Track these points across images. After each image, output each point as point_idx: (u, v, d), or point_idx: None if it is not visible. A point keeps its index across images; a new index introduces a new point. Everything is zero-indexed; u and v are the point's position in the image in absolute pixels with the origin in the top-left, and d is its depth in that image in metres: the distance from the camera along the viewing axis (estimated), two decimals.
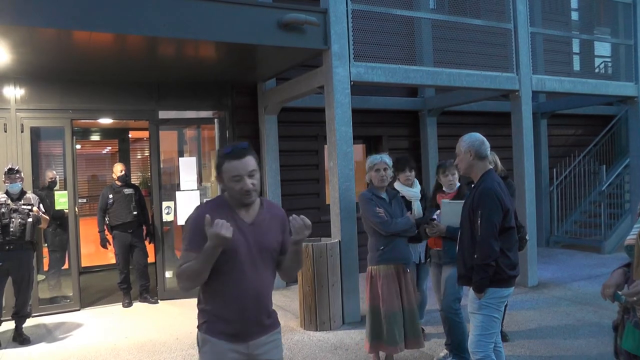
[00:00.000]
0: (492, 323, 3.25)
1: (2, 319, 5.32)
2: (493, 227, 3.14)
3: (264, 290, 2.27)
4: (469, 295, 3.34)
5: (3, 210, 5.11)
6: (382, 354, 4.25)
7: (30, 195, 5.40)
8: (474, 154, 3.28)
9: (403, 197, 4.54)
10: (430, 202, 4.69)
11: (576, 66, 10.17)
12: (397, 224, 4.05)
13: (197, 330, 2.31)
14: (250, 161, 2.19)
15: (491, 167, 3.43)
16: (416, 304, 4.23)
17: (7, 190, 5.24)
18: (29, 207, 5.24)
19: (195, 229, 2.16)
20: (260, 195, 2.31)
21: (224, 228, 2.03)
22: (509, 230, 3.23)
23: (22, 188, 5.36)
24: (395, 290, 4.00)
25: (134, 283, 6.84)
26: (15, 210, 5.16)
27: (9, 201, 5.19)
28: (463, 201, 3.51)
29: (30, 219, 5.21)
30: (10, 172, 5.22)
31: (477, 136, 3.33)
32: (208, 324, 2.24)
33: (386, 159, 4.17)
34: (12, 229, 5.12)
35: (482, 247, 3.14)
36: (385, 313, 4.01)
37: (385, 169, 4.13)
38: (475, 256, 3.17)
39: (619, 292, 2.39)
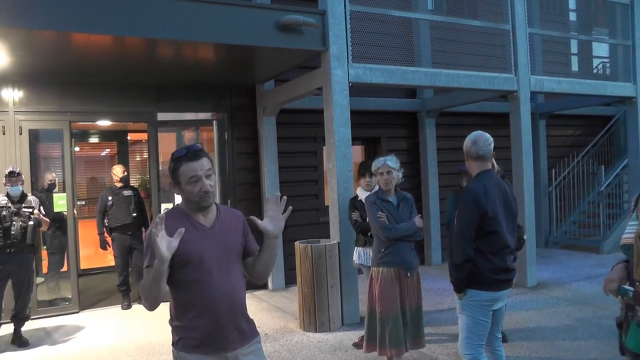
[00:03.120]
0: (478, 325, 3.19)
1: (1, 321, 5.31)
2: (466, 229, 3.07)
3: (236, 293, 2.20)
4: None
5: (4, 213, 5.11)
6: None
7: (31, 198, 5.39)
8: (466, 155, 3.28)
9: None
10: None
11: (574, 67, 10.16)
12: (397, 230, 3.97)
13: (172, 347, 2.23)
14: (205, 162, 2.17)
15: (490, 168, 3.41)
16: (419, 308, 4.15)
17: (7, 193, 5.23)
18: (30, 210, 5.24)
19: (152, 243, 2.09)
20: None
21: (163, 244, 1.96)
22: (491, 235, 3.11)
23: (23, 191, 5.36)
24: (394, 294, 3.95)
25: (133, 285, 6.84)
26: (17, 213, 5.16)
27: (10, 204, 5.19)
28: None
29: (31, 222, 5.20)
30: (11, 175, 5.22)
31: (471, 136, 3.28)
32: (183, 341, 2.16)
33: (389, 161, 4.08)
34: (13, 232, 5.11)
35: (454, 248, 3.13)
36: (380, 315, 3.98)
37: (388, 172, 4.05)
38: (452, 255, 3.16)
39: (625, 286, 2.38)
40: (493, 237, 3.13)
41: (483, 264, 3.11)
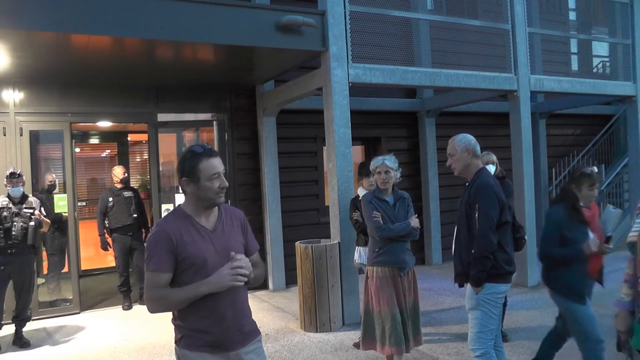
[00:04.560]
0: (491, 319, 3.27)
1: (2, 322, 5.32)
2: (491, 221, 3.18)
3: (239, 295, 2.22)
4: (466, 292, 3.36)
5: (5, 214, 5.13)
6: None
7: (31, 199, 5.40)
8: (472, 153, 3.34)
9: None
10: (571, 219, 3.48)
11: (574, 66, 10.18)
12: (391, 230, 3.98)
13: (174, 345, 2.25)
14: (220, 160, 2.22)
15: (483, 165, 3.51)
16: (416, 307, 4.17)
17: (8, 194, 5.25)
18: (31, 211, 5.25)
19: (159, 246, 2.11)
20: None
21: (228, 276, 2.06)
22: (504, 225, 3.28)
23: (24, 192, 5.37)
24: (390, 293, 3.96)
25: (133, 286, 6.85)
26: (17, 214, 5.18)
27: (11, 205, 5.20)
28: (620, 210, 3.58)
29: (32, 223, 5.22)
30: (12, 176, 5.23)
31: (469, 136, 3.41)
32: (186, 339, 2.19)
33: (388, 161, 4.10)
34: (14, 233, 5.13)
35: (480, 240, 3.18)
36: (377, 314, 4.00)
37: (386, 172, 4.07)
38: (473, 250, 3.21)
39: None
40: (506, 227, 3.30)
41: (500, 256, 3.22)
